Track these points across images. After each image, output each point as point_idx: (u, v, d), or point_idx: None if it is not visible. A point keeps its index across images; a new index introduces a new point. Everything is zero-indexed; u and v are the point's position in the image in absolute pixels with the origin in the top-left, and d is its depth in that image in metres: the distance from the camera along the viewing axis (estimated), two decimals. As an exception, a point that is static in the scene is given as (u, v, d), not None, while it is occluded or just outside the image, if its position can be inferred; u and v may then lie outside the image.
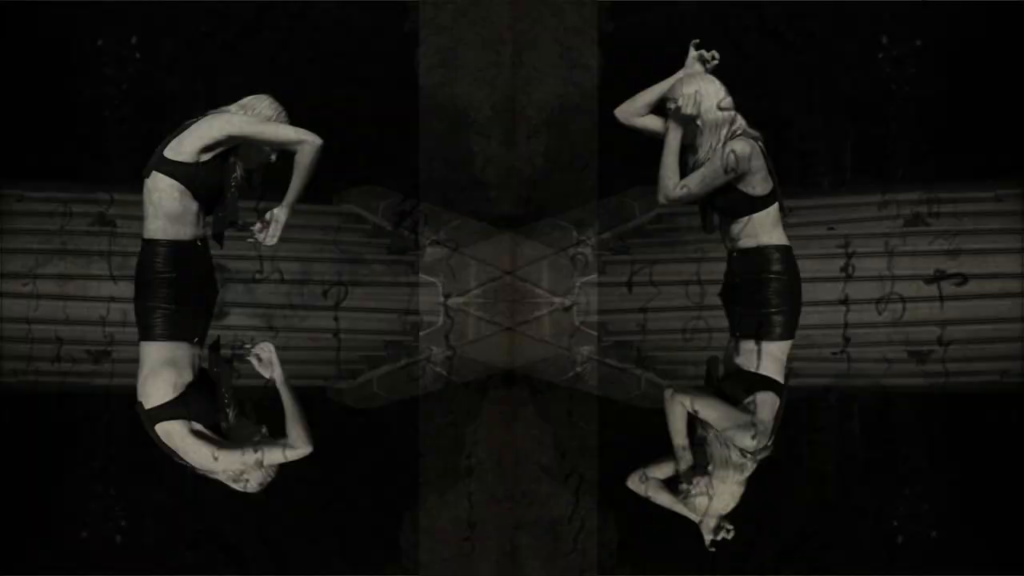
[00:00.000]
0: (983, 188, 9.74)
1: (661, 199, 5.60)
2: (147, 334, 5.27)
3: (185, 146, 5.32)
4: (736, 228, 5.57)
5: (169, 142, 5.38)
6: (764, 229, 5.55)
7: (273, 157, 5.43)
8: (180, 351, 4.63)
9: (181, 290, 5.44)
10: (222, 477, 2.67)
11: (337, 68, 11.23)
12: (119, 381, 4.48)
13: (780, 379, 4.10)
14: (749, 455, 2.84)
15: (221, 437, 2.87)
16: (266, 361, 2.44)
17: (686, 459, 2.50)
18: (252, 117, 5.38)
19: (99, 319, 6.98)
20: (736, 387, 3.48)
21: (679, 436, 2.53)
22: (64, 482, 2.74)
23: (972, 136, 10.67)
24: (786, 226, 5.73)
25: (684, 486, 2.47)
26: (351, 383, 4.36)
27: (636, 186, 10.90)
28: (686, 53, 5.69)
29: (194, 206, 5.37)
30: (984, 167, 10.48)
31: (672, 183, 5.52)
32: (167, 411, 3.46)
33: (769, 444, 2.99)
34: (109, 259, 9.10)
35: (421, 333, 6.63)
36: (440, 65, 10.65)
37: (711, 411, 2.86)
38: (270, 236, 5.43)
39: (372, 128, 11.03)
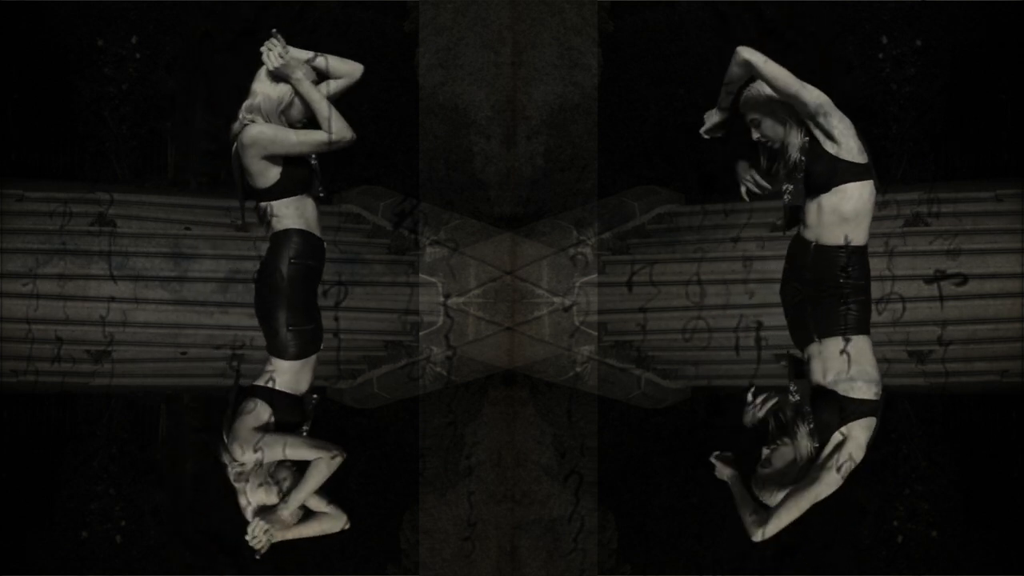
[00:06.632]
0: (983, 188, 9.74)
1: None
2: (300, 352, 5.24)
3: (258, 179, 5.38)
4: (826, 199, 5.34)
5: (242, 180, 5.44)
6: (848, 218, 5.40)
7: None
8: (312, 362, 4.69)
9: (307, 279, 5.52)
10: (233, 469, 2.71)
11: (337, 68, 11.24)
12: (119, 381, 4.48)
13: (876, 379, 3.93)
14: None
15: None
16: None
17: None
18: (272, 130, 5.36)
19: (99, 319, 6.98)
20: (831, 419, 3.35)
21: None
22: (64, 482, 2.74)
23: (972, 136, 10.67)
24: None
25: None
26: (351, 383, 4.36)
27: (636, 186, 10.92)
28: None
29: (302, 201, 5.47)
30: (984, 167, 10.49)
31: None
32: (268, 397, 3.63)
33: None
34: (109, 259, 9.10)
35: (421, 333, 6.63)
36: (440, 65, 10.64)
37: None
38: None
39: (372, 128, 11.03)
